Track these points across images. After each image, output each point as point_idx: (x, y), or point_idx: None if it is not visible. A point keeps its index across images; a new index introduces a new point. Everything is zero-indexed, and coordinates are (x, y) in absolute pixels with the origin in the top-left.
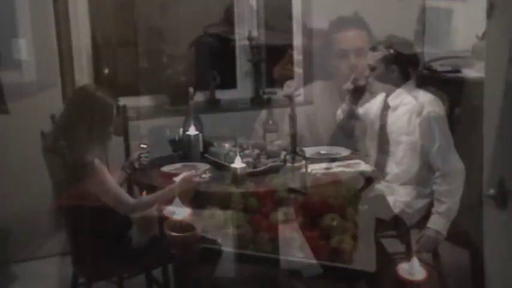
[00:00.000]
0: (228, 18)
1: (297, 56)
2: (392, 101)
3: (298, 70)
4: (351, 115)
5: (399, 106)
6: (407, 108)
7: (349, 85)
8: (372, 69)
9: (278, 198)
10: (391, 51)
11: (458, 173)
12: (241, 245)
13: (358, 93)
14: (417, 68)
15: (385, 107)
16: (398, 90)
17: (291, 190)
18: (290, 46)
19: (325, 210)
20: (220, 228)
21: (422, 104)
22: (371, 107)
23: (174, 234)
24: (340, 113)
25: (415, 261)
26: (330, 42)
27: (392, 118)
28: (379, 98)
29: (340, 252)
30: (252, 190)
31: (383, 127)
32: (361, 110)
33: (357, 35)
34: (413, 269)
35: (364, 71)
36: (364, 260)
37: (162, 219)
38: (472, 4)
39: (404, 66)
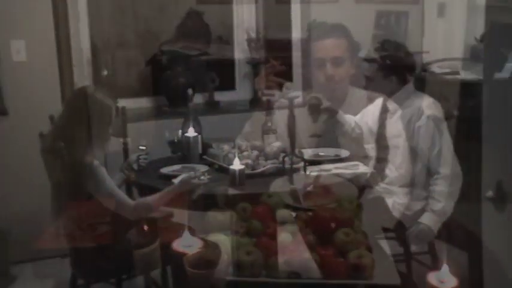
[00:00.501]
0: (183, 34)
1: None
2: (391, 104)
3: (283, 81)
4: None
5: (398, 110)
6: (406, 112)
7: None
8: (370, 80)
9: (279, 216)
10: (388, 61)
11: (458, 177)
12: (254, 273)
13: (316, 112)
14: (414, 72)
15: (384, 111)
16: (397, 94)
17: (288, 206)
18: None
19: (336, 224)
20: (229, 256)
21: (421, 108)
22: (369, 110)
23: (196, 271)
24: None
25: (445, 268)
26: (309, 51)
27: (391, 122)
28: (377, 102)
29: (361, 268)
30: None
31: (382, 131)
32: (359, 115)
33: (334, 43)
34: (444, 277)
35: (342, 81)
36: (384, 273)
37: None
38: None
39: (401, 72)
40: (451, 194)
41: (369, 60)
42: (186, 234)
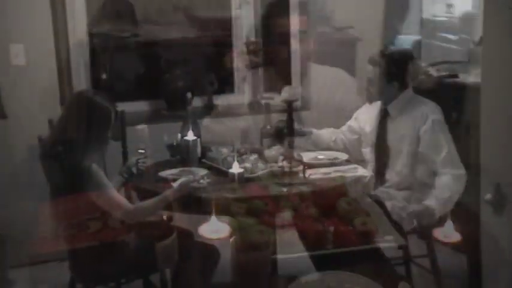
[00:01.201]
0: (106, 15)
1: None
2: (392, 109)
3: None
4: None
5: (400, 115)
6: (409, 117)
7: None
8: (373, 84)
9: (273, 194)
10: (390, 64)
11: (463, 177)
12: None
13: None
14: (416, 77)
15: (384, 116)
16: (398, 99)
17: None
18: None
19: (338, 196)
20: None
21: (425, 112)
22: (364, 114)
23: (245, 255)
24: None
25: (449, 224)
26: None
27: (392, 127)
28: (375, 105)
29: (367, 233)
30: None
31: (382, 136)
32: (354, 117)
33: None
34: (448, 232)
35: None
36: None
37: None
38: None
39: (404, 77)
40: (455, 193)
41: (372, 62)
42: (213, 219)
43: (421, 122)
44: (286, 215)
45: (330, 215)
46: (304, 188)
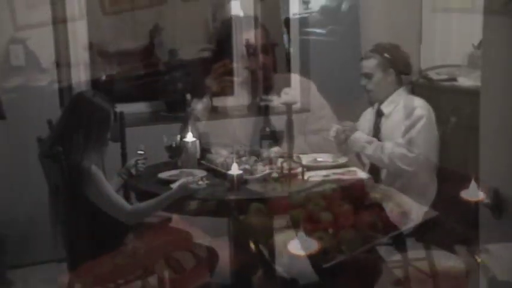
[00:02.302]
0: None
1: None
2: (385, 108)
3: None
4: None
5: (392, 113)
6: (398, 114)
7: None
8: (369, 77)
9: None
10: (386, 55)
11: (410, 161)
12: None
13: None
14: (410, 73)
15: (379, 115)
16: (392, 97)
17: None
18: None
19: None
20: None
21: (413, 108)
22: (365, 115)
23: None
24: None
25: (473, 184)
26: None
27: (386, 126)
28: (371, 110)
29: (405, 213)
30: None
31: (376, 135)
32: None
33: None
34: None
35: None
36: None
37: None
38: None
39: (399, 69)
40: (391, 164)
41: (367, 57)
42: (301, 235)
43: (407, 116)
44: (325, 216)
45: (360, 208)
46: (328, 187)
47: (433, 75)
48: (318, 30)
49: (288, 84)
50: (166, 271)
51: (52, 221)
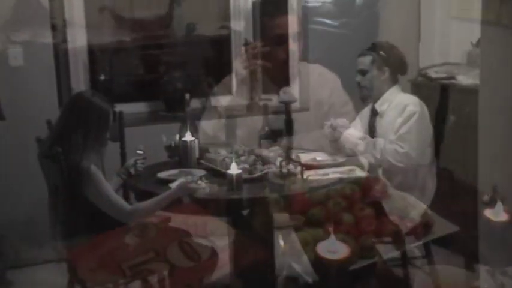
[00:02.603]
0: None
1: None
2: (379, 107)
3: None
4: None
5: (386, 111)
6: (391, 111)
7: None
8: (363, 73)
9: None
10: (382, 53)
11: (403, 157)
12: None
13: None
14: (405, 73)
15: (373, 114)
16: (385, 95)
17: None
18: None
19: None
20: None
21: (405, 105)
22: (361, 115)
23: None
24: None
25: (499, 205)
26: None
27: (380, 125)
28: (366, 109)
29: (429, 223)
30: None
31: (372, 135)
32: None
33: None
34: (498, 212)
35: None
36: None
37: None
38: None
39: (394, 68)
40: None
41: (363, 54)
42: (332, 238)
43: (400, 112)
44: (347, 218)
45: (379, 213)
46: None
47: (432, 73)
48: (329, 22)
49: (308, 74)
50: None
51: (51, 221)
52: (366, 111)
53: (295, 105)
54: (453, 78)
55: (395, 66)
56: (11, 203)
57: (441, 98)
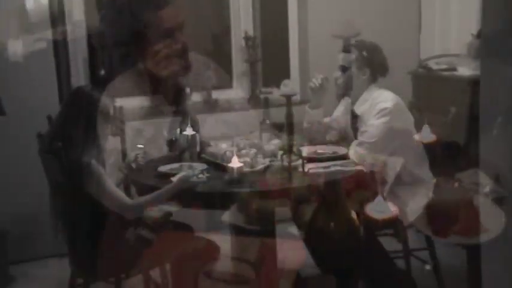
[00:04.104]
0: None
1: None
2: (357, 108)
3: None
4: None
5: (364, 113)
6: (369, 112)
7: None
8: (343, 70)
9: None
10: (364, 53)
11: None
12: None
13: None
14: (385, 75)
15: (354, 117)
16: (362, 97)
17: None
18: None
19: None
20: None
21: (377, 102)
22: (339, 116)
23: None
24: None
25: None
26: None
27: (361, 127)
28: (342, 107)
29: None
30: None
31: (356, 136)
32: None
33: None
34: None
35: None
36: None
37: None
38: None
39: (375, 69)
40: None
41: (345, 50)
42: (379, 199)
43: (372, 112)
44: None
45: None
46: None
47: (432, 65)
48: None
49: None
50: None
51: (53, 216)
52: (341, 110)
53: (296, 98)
54: (454, 69)
55: (376, 68)
56: (11, 199)
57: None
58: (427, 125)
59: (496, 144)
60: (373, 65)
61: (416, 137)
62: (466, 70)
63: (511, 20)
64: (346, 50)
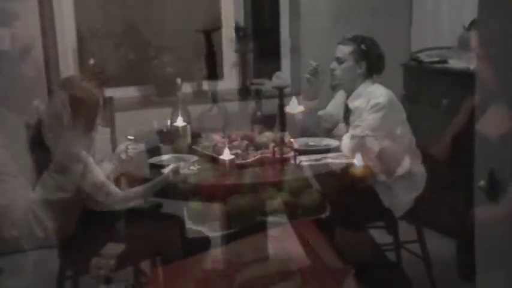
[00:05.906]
0: None
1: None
2: (351, 103)
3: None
4: None
5: (357, 108)
6: (361, 108)
7: None
8: (340, 62)
9: None
10: (363, 46)
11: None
12: None
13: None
14: (380, 73)
15: (347, 111)
16: (356, 92)
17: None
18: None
19: None
20: None
21: (371, 97)
22: (332, 109)
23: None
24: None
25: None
26: None
27: (354, 121)
28: (338, 101)
29: None
30: None
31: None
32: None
33: None
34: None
35: None
36: None
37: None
38: None
39: (371, 65)
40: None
41: (344, 43)
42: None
43: (366, 107)
44: None
45: None
46: None
47: (424, 57)
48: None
49: None
50: None
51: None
52: (337, 104)
53: (288, 90)
54: (445, 62)
55: (373, 62)
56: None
57: (433, 82)
58: (294, 97)
59: (491, 137)
60: (370, 59)
61: (286, 109)
62: (457, 62)
63: (510, 9)
64: (344, 42)
